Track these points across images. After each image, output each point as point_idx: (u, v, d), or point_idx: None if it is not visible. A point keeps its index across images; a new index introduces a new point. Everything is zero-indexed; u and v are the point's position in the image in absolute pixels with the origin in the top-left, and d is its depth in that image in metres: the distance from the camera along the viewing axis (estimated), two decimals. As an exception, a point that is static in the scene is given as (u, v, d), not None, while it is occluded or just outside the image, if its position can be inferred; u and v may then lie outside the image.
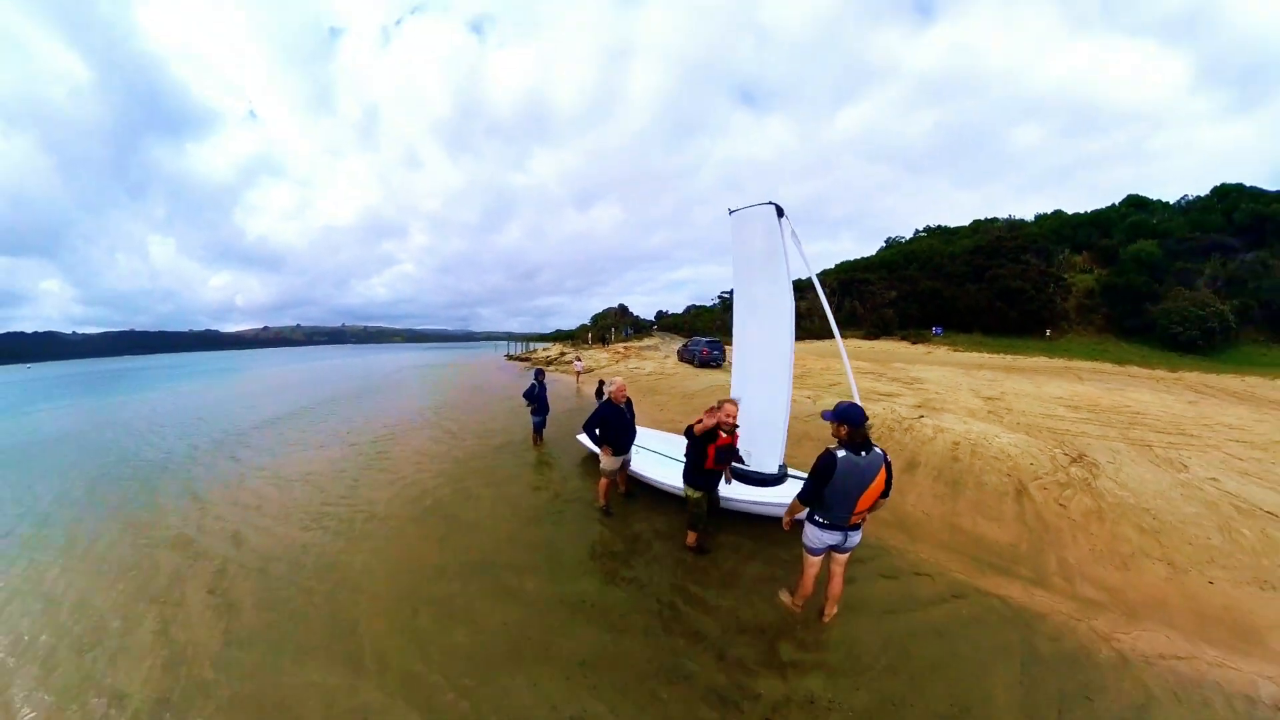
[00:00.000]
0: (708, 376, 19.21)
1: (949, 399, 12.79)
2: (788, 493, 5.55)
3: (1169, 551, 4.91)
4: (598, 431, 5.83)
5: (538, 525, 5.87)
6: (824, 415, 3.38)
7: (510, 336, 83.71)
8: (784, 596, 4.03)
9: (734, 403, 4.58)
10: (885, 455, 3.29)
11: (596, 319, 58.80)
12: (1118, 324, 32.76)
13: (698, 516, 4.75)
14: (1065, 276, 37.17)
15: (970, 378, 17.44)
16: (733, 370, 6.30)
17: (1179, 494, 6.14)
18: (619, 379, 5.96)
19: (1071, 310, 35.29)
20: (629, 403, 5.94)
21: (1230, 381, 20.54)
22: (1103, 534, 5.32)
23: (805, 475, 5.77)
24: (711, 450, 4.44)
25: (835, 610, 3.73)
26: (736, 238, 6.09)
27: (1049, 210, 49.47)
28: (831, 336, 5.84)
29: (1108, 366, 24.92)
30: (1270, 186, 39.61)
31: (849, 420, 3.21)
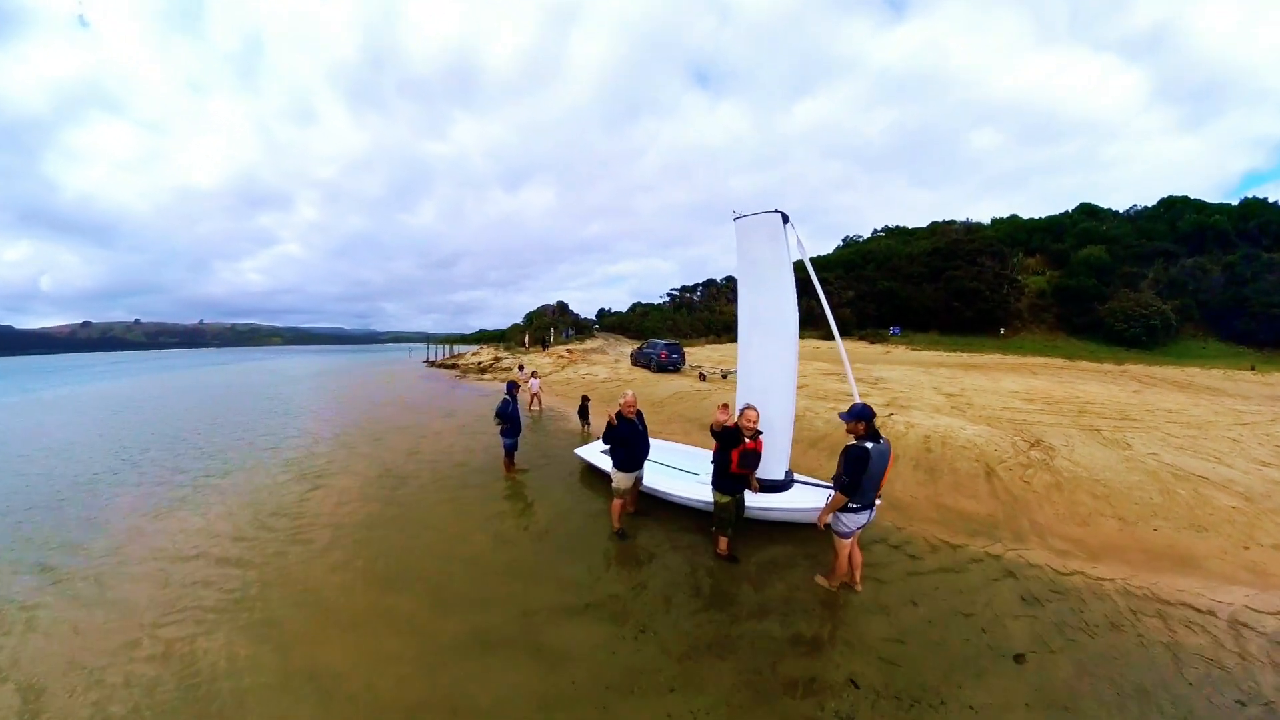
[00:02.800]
0: (669, 382, 19.64)
1: (914, 396, 14.18)
2: (795, 498, 6.12)
3: (1119, 510, 6.18)
4: (608, 449, 6.08)
5: (556, 567, 5.43)
6: (842, 416, 4.43)
7: (427, 338, 78.56)
8: (820, 580, 4.84)
9: (754, 409, 5.03)
10: (889, 444, 4.37)
11: (532, 317, 57.74)
12: (1068, 322, 37.84)
13: (725, 521, 5.19)
14: (1019, 278, 42.04)
15: (930, 376, 19.29)
16: (738, 378, 6.76)
17: (1124, 467, 7.49)
18: (630, 391, 6.20)
19: (1025, 310, 40.09)
20: (639, 414, 6.15)
21: (1171, 372, 24.49)
22: (1063, 501, 6.53)
23: (812, 481, 6.72)
24: (735, 455, 4.89)
25: (860, 577, 4.72)
26: (741, 245, 6.51)
27: (1005, 214, 55.95)
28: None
29: (1059, 362, 28.56)
30: (1212, 199, 47.37)
31: (865, 417, 4.26)
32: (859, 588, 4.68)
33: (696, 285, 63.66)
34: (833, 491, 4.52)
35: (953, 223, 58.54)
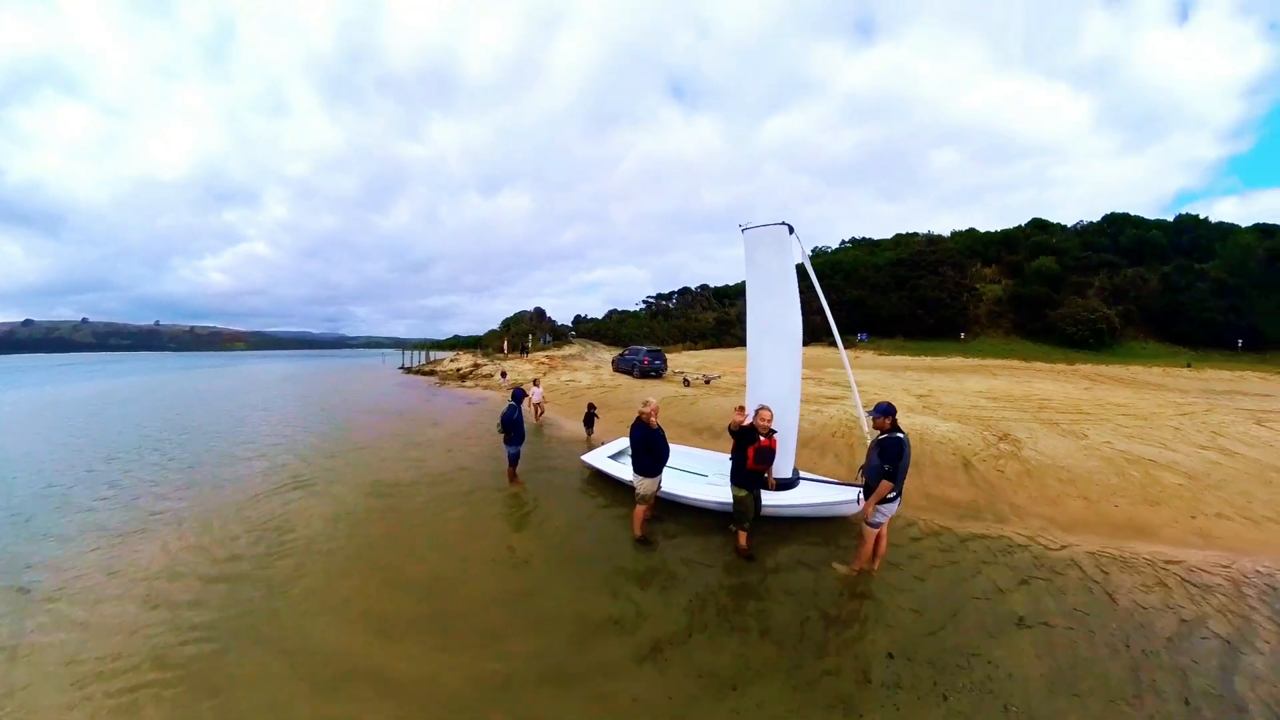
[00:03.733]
0: (655, 387, 19.55)
1: (887, 398, 14.86)
2: (804, 494, 6.42)
3: (1083, 491, 6.83)
4: (616, 455, 6.03)
5: (584, 583, 5.15)
6: (871, 413, 4.93)
7: (400, 343, 75.27)
8: (839, 568, 5.17)
9: (768, 409, 5.31)
10: None
11: (509, 323, 57.12)
12: (1022, 327, 40.77)
13: (742, 514, 5.41)
14: (978, 287, 44.57)
15: (899, 378, 20.14)
16: (747, 382, 7.01)
17: (1083, 454, 8.17)
18: (653, 399, 6.08)
19: (983, 316, 42.76)
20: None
21: (1117, 370, 26.61)
22: (1033, 486, 7.13)
23: (818, 478, 7.13)
24: (751, 452, 5.15)
25: (879, 564, 5.12)
26: (750, 256, 6.75)
27: (963, 228, 58.99)
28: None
29: (1016, 363, 30.38)
30: (1150, 215, 51.47)
31: (891, 413, 4.72)
32: (875, 571, 5.05)
33: (672, 293, 64.03)
34: (857, 487, 5.05)
35: (915, 235, 61.00)
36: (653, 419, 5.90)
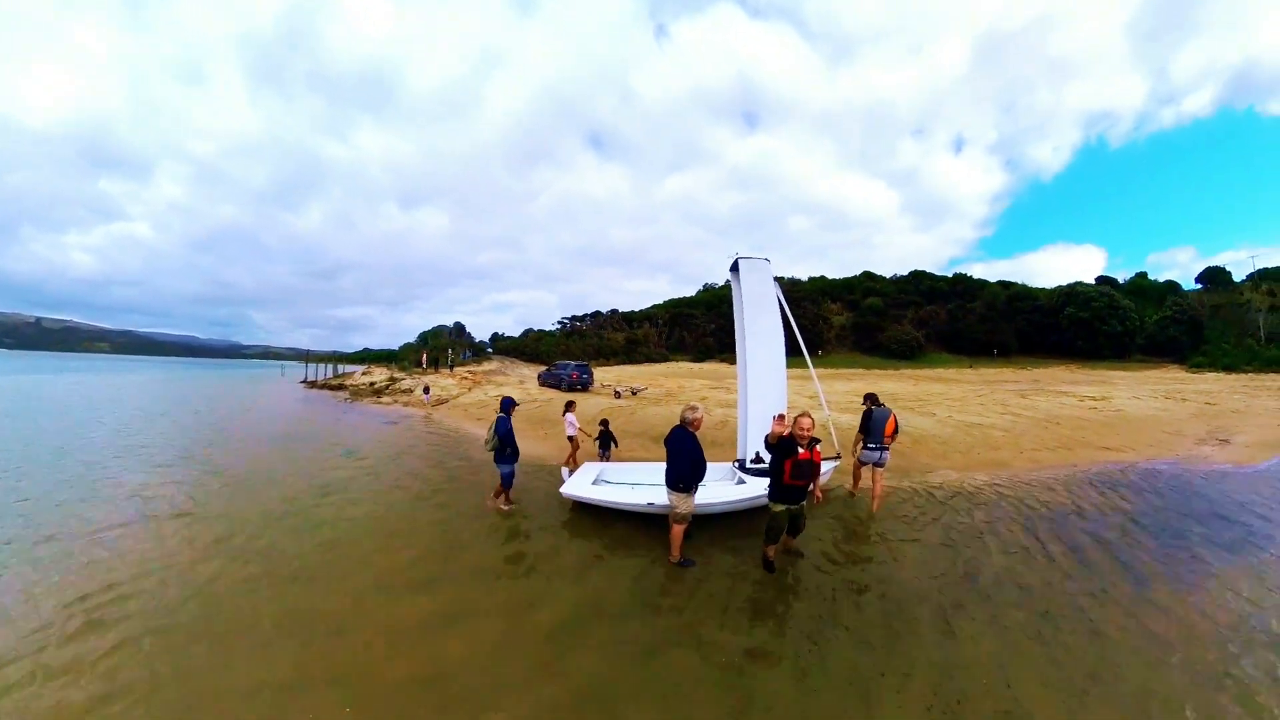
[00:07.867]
0: (590, 400, 17.43)
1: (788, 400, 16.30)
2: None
3: (955, 449, 8.43)
4: (605, 483, 5.64)
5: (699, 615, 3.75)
6: (864, 399, 6.32)
7: (305, 355, 53.91)
8: (848, 490, 6.52)
9: (808, 416, 4.40)
10: (890, 410, 6.08)
11: (428, 338, 51.67)
12: (861, 345, 49.61)
13: (775, 531, 4.46)
14: (828, 317, 53.15)
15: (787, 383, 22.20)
16: (739, 384, 7.05)
17: (941, 426, 9.92)
18: (699, 405, 4.88)
19: (833, 338, 51.05)
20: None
21: (928, 372, 33.03)
22: (925, 450, 8.46)
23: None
24: (788, 465, 4.26)
25: (878, 505, 5.83)
26: (743, 279, 7.06)
27: (817, 275, 68.79)
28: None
29: (861, 370, 35.97)
30: (938, 272, 64.93)
31: (871, 396, 6.27)
32: (876, 510, 5.76)
33: (585, 315, 63.81)
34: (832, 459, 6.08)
35: (781, 278, 68.39)
36: (699, 426, 4.74)
